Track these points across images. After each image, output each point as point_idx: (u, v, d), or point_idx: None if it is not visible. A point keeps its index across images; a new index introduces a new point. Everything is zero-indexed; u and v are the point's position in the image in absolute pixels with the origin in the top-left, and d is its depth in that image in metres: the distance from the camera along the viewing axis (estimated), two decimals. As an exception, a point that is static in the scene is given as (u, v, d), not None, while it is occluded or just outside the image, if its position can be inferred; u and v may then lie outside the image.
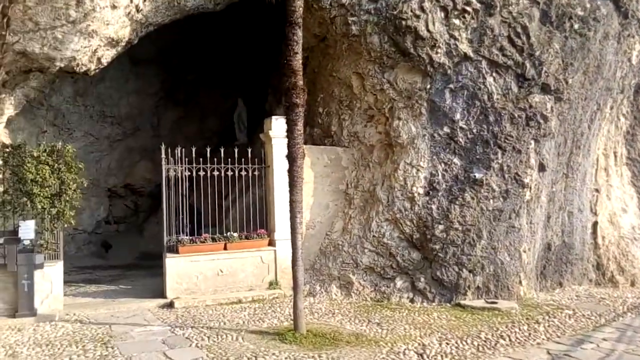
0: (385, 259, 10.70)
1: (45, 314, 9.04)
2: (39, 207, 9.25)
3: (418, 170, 10.63)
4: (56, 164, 9.51)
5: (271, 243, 11.12)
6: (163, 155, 10.44)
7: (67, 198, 9.48)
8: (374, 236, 10.84)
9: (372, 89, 11.14)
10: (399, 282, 10.51)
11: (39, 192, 9.21)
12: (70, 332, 8.16)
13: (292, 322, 8.39)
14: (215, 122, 18.93)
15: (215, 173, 10.85)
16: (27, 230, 9.07)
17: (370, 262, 10.77)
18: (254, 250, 10.94)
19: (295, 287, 7.92)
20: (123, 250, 16.78)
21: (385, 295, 10.46)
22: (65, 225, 9.67)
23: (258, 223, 11.21)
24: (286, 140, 11.05)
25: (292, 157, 7.77)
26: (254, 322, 8.69)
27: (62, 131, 14.99)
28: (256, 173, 11.27)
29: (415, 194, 10.59)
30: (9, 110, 11.39)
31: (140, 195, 18.83)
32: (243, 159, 11.11)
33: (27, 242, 9.05)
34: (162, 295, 10.32)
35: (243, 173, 11.14)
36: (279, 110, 13.99)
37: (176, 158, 10.57)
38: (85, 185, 9.79)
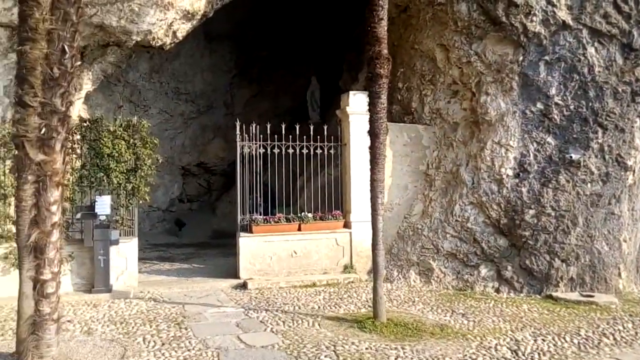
0: (468, 245, 9.95)
1: (120, 291, 9.00)
2: (115, 182, 9.17)
3: (507, 150, 9.75)
4: (132, 139, 9.40)
5: (346, 225, 10.62)
6: (238, 132, 10.12)
7: (142, 174, 9.36)
8: (456, 220, 10.10)
9: (457, 61, 10.30)
10: (484, 270, 9.75)
11: (115, 167, 9.13)
12: (144, 310, 8.03)
13: (370, 309, 7.89)
14: (288, 101, 18.60)
15: (290, 151, 10.43)
16: (104, 205, 9.02)
17: (453, 248, 10.05)
18: (329, 232, 10.48)
19: (375, 273, 7.38)
20: (196, 228, 16.84)
21: (468, 284, 9.73)
22: (140, 202, 9.57)
23: (333, 204, 10.73)
24: (365, 116, 10.50)
25: (374, 133, 7.17)
26: (330, 308, 8.24)
27: (138, 108, 15.07)
28: (332, 151, 10.76)
29: (504, 176, 9.73)
30: (87, 86, 11.43)
31: (213, 173, 18.84)
32: (318, 137, 10.63)
33: (103, 218, 9.01)
34: (235, 275, 10.08)
35: (318, 151, 10.66)
36: (354, 87, 13.39)
37: (250, 135, 10.24)
38: (160, 161, 9.63)
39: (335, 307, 8.26)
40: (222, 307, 8.24)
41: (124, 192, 9.42)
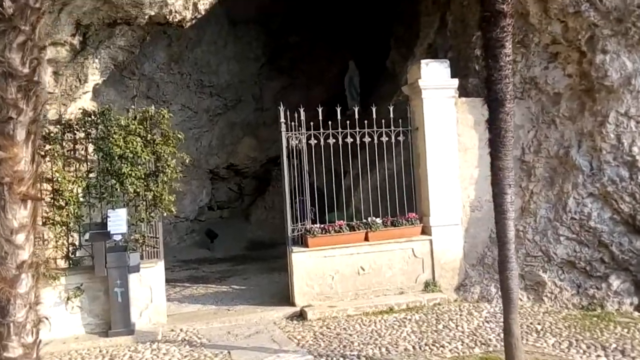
0: (592, 250, 7.62)
1: (144, 331, 6.90)
2: (131, 190, 7.08)
3: (639, 122, 7.41)
4: (149, 135, 7.31)
5: (425, 231, 8.37)
6: (282, 120, 7.96)
7: (165, 178, 7.26)
8: (572, 218, 7.79)
9: (559, 13, 7.95)
10: (615, 282, 7.41)
11: (129, 172, 7.04)
12: (178, 361, 5.91)
13: (485, 347, 5.69)
14: (322, 91, 16.46)
15: (349, 140, 8.23)
16: (118, 221, 6.92)
17: (569, 254, 7.74)
18: (403, 240, 8.23)
19: (507, 304, 5.13)
20: (229, 239, 14.77)
21: (595, 301, 7.41)
22: (164, 214, 7.46)
23: (403, 205, 8.48)
24: (443, 90, 8.39)
25: (496, 99, 4.94)
26: (429, 348, 5.99)
27: (156, 104, 12.97)
28: (400, 138, 8.52)
29: (637, 157, 7.39)
30: (95, 76, 9.38)
31: (244, 176, 16.78)
32: (383, 121, 8.42)
33: (118, 238, 6.92)
34: (289, 301, 7.92)
35: (384, 139, 8.42)
36: (404, 66, 11.17)
37: (295, 123, 8.08)
38: (187, 160, 7.52)
39: (437, 347, 6.00)
40: (281, 352, 6.06)
41: (144, 203, 7.34)
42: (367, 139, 8.34)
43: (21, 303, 3.10)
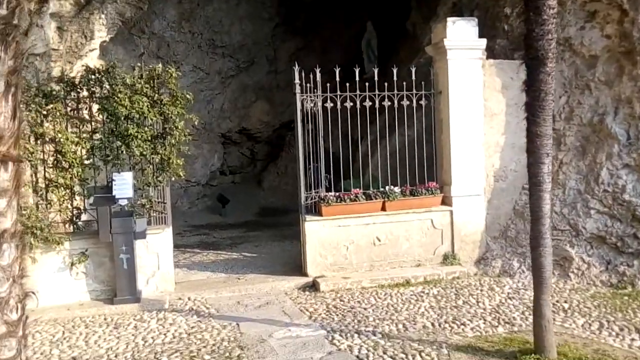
0: (624, 225, 7.16)
1: (151, 299, 6.64)
2: (137, 153, 6.71)
3: (683, 88, 6.86)
4: (157, 95, 6.89)
5: (445, 201, 7.95)
6: (297, 81, 7.49)
7: (173, 141, 6.87)
8: (605, 190, 7.31)
9: (600, -32, 7.34)
10: (648, 260, 6.98)
11: (135, 133, 6.65)
12: (184, 333, 5.61)
13: (508, 326, 5.40)
14: (338, 54, 15.77)
15: (367, 103, 7.76)
16: (124, 185, 6.59)
17: (600, 228, 7.29)
18: (422, 211, 7.82)
19: (538, 283, 4.71)
20: (241, 204, 14.45)
21: (624, 279, 6.97)
22: (173, 178, 7.11)
23: (423, 174, 8.05)
24: (471, 51, 7.84)
25: (536, 57, 4.42)
26: (449, 326, 5.64)
27: (167, 65, 12.47)
28: (422, 102, 8.02)
29: (679, 126, 6.87)
30: (101, 33, 8.99)
31: (257, 141, 16.36)
32: (405, 84, 7.91)
33: (123, 202, 6.60)
34: (301, 271, 7.62)
35: (405, 103, 7.93)
36: (426, 28, 10.58)
37: (311, 85, 7.62)
38: (196, 123, 7.12)
39: (457, 325, 5.65)
40: (292, 325, 5.75)
41: (151, 166, 6.98)
42: (386, 103, 7.86)
43: (3, 276, 2.76)
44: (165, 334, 5.57)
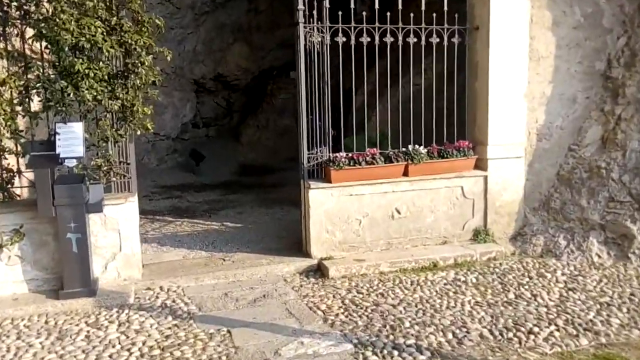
0: (703, 198, 5.85)
1: (110, 290, 5.06)
2: (89, 97, 4.95)
3: None
4: (115, 18, 5.10)
5: (478, 165, 6.49)
6: (300, 6, 5.76)
7: (138, 82, 5.14)
8: (679, 154, 5.96)
9: None
10: None
11: (86, 70, 4.89)
12: (156, 347, 4.05)
13: (588, 333, 4.16)
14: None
15: (388, 39, 6.11)
16: (71, 140, 4.89)
17: (671, 201, 5.97)
18: (452, 176, 6.35)
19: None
20: (217, 162, 12.77)
21: (700, 263, 5.72)
22: (138, 132, 5.41)
23: (448, 130, 6.52)
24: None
25: None
26: (513, 335, 4.21)
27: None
28: (455, 39, 6.42)
29: None
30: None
31: (234, 90, 14.52)
32: (435, 15, 6.27)
33: (71, 164, 4.91)
34: (300, 248, 6.15)
35: (433, 40, 6.31)
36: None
37: (316, 16, 5.90)
38: (169, 58, 5.38)
39: (524, 334, 4.23)
40: (303, 334, 4.26)
41: (109, 115, 5.25)
42: (411, 39, 6.22)
43: None
44: (129, 350, 4.01)
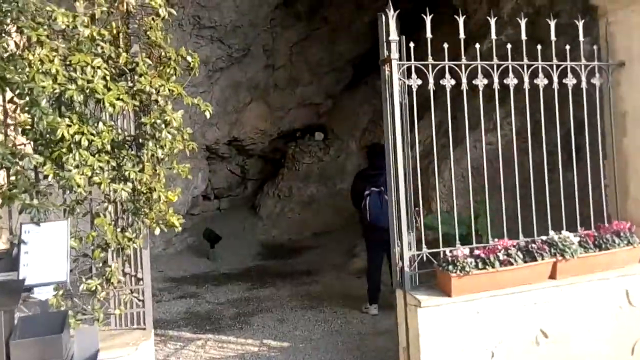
0: None
1: None
2: (79, 181, 2.97)
3: None
4: (125, 54, 3.22)
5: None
6: (394, 37, 3.92)
7: (160, 151, 3.20)
8: None
9: None
10: None
11: (76, 137, 2.94)
12: None
13: None
14: (348, 46, 12.64)
15: (512, 81, 4.26)
16: (47, 252, 2.90)
17: None
18: (613, 275, 4.34)
19: None
20: (234, 240, 10.74)
21: None
22: (157, 232, 3.43)
23: (585, 208, 4.56)
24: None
25: None
26: None
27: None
28: (596, 81, 4.58)
29: None
30: None
31: (249, 155, 12.75)
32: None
33: (45, 294, 2.88)
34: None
35: (569, 81, 4.46)
36: None
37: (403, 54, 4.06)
38: (208, 115, 3.51)
39: None
40: None
41: (111, 208, 3.28)
42: (541, 80, 4.37)
43: None
44: None
